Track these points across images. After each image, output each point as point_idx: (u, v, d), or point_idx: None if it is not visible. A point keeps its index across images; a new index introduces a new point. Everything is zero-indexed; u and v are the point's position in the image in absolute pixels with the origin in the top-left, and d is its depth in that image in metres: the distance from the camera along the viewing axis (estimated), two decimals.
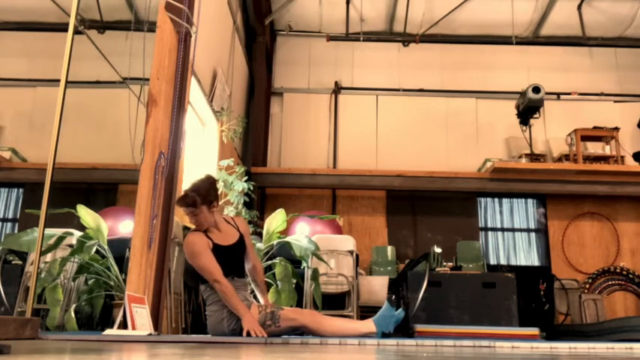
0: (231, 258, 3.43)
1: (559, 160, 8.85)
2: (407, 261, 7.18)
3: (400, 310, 3.35)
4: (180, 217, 4.82)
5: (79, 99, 4.17)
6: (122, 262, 3.93)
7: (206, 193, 3.39)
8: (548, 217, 9.00)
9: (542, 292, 6.89)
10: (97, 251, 3.92)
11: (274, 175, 8.67)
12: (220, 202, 6.27)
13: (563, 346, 3.02)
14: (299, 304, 4.89)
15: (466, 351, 2.57)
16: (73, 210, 3.86)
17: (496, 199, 9.19)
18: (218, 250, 3.36)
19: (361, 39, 9.45)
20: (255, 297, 3.67)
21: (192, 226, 3.49)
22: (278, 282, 4.50)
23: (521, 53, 9.69)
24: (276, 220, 4.79)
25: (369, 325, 3.34)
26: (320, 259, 4.96)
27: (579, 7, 9.09)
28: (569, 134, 8.62)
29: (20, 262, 4.61)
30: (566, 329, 7.12)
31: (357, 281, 5.57)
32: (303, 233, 5.88)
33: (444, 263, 6.21)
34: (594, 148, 8.79)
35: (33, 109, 5.29)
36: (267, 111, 9.39)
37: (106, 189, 5.61)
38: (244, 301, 3.31)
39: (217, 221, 3.48)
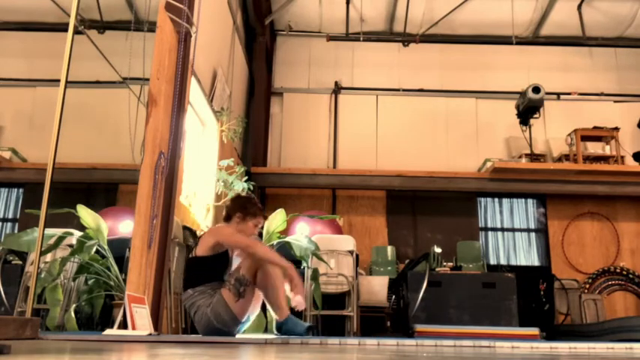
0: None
1: (559, 160, 8.84)
2: (407, 261, 7.18)
3: (305, 332, 3.32)
4: (181, 217, 4.83)
5: (79, 99, 4.17)
6: (122, 262, 3.93)
7: None
8: (548, 217, 9.00)
9: (542, 292, 6.88)
10: (97, 251, 3.92)
11: (274, 175, 8.66)
12: (220, 202, 6.29)
13: (563, 346, 3.02)
14: None
15: (466, 351, 2.57)
16: (73, 210, 3.86)
17: (496, 199, 9.19)
18: (225, 256, 3.48)
19: (361, 39, 9.44)
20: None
21: (193, 227, 3.50)
22: None
23: (521, 53, 9.68)
24: (276, 220, 4.79)
25: (284, 314, 3.36)
26: (320, 259, 4.96)
27: (579, 7, 9.08)
28: (569, 134, 8.62)
29: (20, 262, 4.61)
30: (566, 329, 7.12)
31: (357, 281, 5.57)
32: (303, 233, 5.88)
33: (444, 263, 6.21)
34: (594, 148, 8.78)
35: (33, 109, 5.29)
36: (267, 111, 9.38)
37: (106, 189, 5.61)
38: (215, 294, 3.33)
39: None
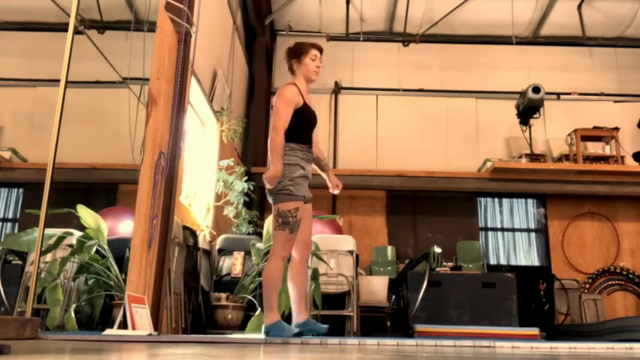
0: (311, 124, 3.57)
1: (559, 160, 8.84)
2: (407, 261, 7.18)
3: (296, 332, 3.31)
4: (181, 217, 4.83)
5: (79, 99, 4.17)
6: (122, 262, 3.93)
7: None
8: (548, 217, 8.99)
9: (542, 292, 6.88)
10: (97, 251, 3.92)
11: None
12: (220, 202, 6.28)
13: (563, 346, 3.02)
14: None
15: (466, 351, 2.57)
16: (73, 210, 3.86)
17: (496, 199, 9.18)
18: (305, 110, 3.50)
19: (361, 39, 9.44)
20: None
21: (193, 227, 3.49)
22: None
23: (521, 53, 9.68)
24: None
25: (271, 319, 3.29)
26: (320, 259, 4.96)
27: (579, 7, 9.08)
28: (569, 134, 8.61)
29: (20, 262, 4.61)
30: (566, 329, 7.12)
31: (357, 281, 5.56)
32: None
33: (444, 263, 6.21)
34: (594, 148, 8.78)
35: (33, 109, 5.29)
36: (267, 111, 9.38)
37: (106, 189, 5.61)
38: (302, 169, 3.41)
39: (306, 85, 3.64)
